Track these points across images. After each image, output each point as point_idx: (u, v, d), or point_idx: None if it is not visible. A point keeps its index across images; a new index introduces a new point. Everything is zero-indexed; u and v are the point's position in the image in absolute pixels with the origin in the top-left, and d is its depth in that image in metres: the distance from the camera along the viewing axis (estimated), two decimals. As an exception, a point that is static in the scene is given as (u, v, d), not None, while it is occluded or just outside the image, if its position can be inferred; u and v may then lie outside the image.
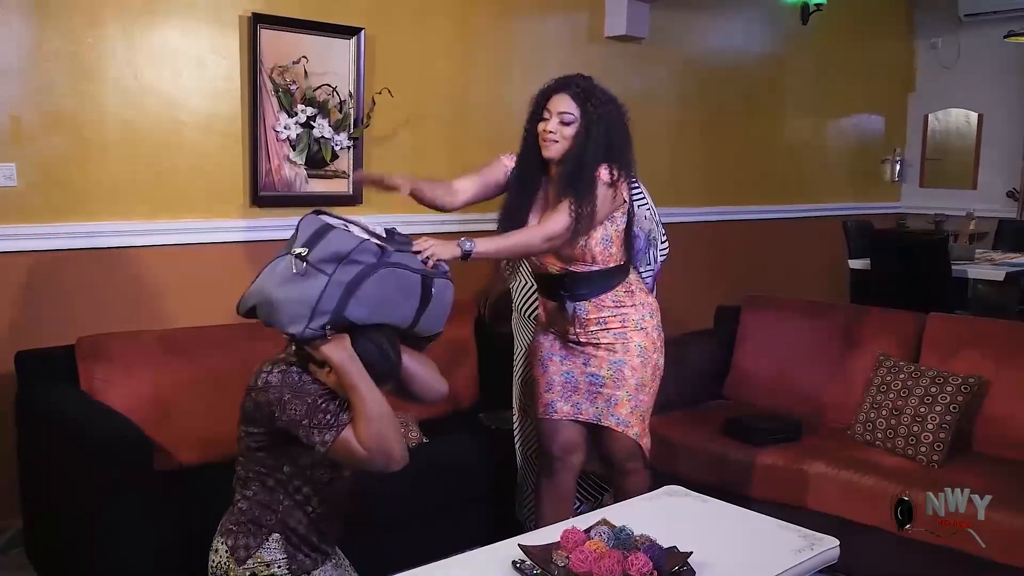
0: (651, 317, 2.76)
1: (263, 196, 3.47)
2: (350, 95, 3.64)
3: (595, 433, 2.80)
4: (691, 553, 1.99)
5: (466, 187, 2.68)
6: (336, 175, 3.67)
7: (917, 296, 4.69)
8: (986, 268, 5.32)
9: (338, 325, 1.92)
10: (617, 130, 2.58)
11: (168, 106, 3.25)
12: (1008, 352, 3.31)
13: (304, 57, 3.51)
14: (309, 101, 3.54)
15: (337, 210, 3.59)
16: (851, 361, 3.57)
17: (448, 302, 2.13)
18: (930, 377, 3.23)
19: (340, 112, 3.63)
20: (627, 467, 2.81)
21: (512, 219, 2.63)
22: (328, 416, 1.92)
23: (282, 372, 1.97)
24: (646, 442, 2.79)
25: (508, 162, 2.70)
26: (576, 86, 2.57)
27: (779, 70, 5.93)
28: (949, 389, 3.16)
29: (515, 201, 2.67)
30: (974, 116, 6.98)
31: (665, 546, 1.98)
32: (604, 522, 2.12)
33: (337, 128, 3.63)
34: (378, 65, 3.73)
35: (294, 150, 3.53)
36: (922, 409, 3.17)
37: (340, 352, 1.92)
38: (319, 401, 1.93)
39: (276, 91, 3.45)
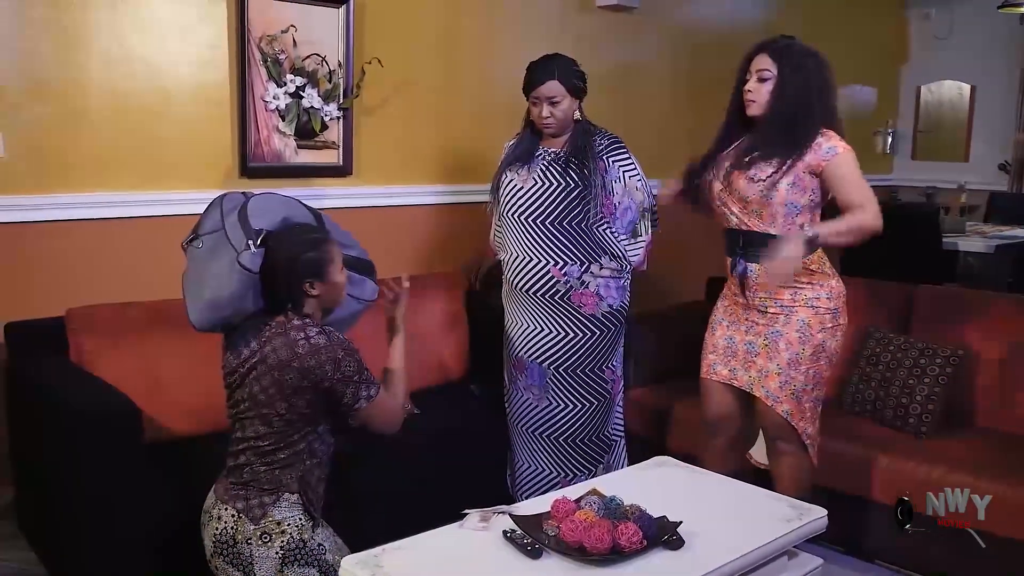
0: (828, 299, 2.69)
1: (252, 167, 3.44)
2: (339, 65, 3.60)
3: (752, 405, 2.78)
4: (680, 523, 2.00)
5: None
6: (326, 146, 3.64)
7: (907, 268, 4.70)
8: (977, 241, 5.33)
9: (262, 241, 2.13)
10: (816, 81, 2.64)
11: (155, 75, 3.21)
12: (997, 325, 3.33)
13: (292, 26, 3.46)
14: (298, 71, 3.50)
15: (327, 181, 3.64)
16: (841, 333, 3.57)
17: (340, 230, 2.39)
18: (919, 349, 3.24)
19: (329, 82, 3.59)
20: (778, 447, 2.76)
21: (704, 164, 2.82)
22: (369, 373, 2.12)
23: (322, 333, 2.06)
24: (802, 426, 2.69)
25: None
26: (775, 44, 2.67)
27: (772, 41, 5.87)
28: (938, 361, 3.18)
29: (712, 150, 2.83)
30: (967, 88, 6.95)
31: (655, 516, 2.00)
32: (594, 492, 2.13)
33: (327, 98, 3.59)
34: (368, 34, 3.69)
35: (283, 120, 3.49)
36: (911, 381, 3.18)
37: (403, 323, 2.39)
38: (362, 360, 2.11)
39: (265, 61, 3.41)
